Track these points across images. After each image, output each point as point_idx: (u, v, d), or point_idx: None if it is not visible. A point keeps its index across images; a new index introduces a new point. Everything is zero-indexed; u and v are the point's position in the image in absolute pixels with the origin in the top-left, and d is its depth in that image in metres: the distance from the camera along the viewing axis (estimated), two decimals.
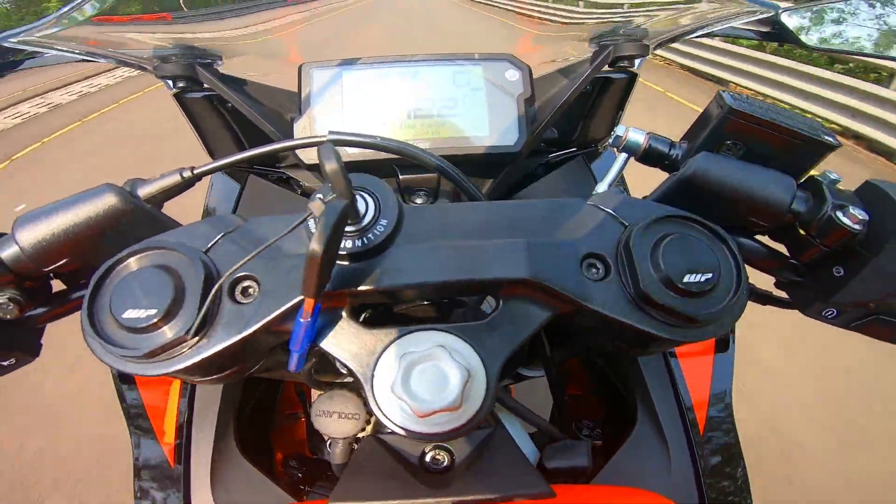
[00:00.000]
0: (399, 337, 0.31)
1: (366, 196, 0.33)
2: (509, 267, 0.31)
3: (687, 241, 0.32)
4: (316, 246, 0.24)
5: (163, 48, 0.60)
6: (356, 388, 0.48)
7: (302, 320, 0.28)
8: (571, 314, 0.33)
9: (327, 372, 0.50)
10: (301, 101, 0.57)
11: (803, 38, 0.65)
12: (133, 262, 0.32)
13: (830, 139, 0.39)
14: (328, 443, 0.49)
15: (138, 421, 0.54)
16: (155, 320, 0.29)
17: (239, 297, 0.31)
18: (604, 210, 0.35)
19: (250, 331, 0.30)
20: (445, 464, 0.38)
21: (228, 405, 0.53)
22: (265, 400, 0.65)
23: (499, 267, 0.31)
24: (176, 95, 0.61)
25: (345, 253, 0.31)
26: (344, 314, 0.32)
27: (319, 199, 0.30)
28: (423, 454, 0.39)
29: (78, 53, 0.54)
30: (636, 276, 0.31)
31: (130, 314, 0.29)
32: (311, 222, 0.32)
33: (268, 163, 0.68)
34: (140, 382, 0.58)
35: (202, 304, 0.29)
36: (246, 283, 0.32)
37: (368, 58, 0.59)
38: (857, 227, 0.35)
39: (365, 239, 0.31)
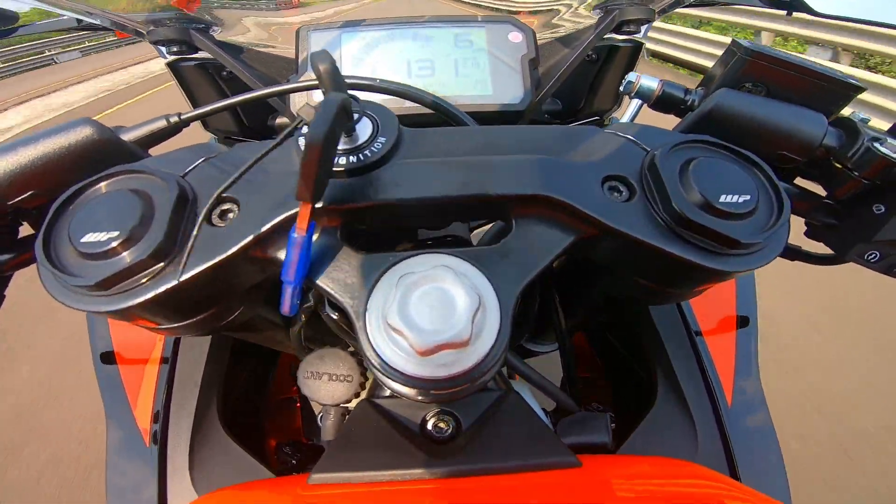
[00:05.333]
0: (398, 261, 0.27)
1: (363, 116, 0.30)
2: (522, 182, 0.28)
3: (717, 164, 0.29)
4: (315, 134, 0.20)
5: (157, 12, 0.58)
6: (352, 348, 0.44)
7: (296, 235, 0.25)
8: (591, 243, 0.29)
9: (320, 339, 0.47)
10: (298, 64, 0.55)
11: (813, 4, 0.64)
12: (103, 188, 0.29)
13: (855, 81, 0.36)
14: (319, 416, 0.45)
15: (115, 400, 0.51)
16: (115, 244, 0.25)
17: (216, 220, 0.28)
18: (623, 136, 0.32)
19: (224, 255, 0.26)
20: (450, 431, 0.34)
21: (211, 383, 0.49)
22: (256, 381, 0.61)
23: (510, 182, 0.28)
24: (170, 64, 0.59)
25: (340, 169, 0.28)
26: (336, 239, 0.29)
27: (309, 105, 0.27)
28: (425, 420, 0.35)
29: (71, 12, 0.53)
30: (666, 196, 0.28)
31: (89, 238, 0.26)
32: (301, 139, 0.29)
33: (262, 134, 0.66)
34: (121, 361, 0.54)
35: (170, 224, 0.26)
36: (225, 206, 0.28)
37: (368, 20, 0.57)
38: None
39: (361, 155, 0.29)
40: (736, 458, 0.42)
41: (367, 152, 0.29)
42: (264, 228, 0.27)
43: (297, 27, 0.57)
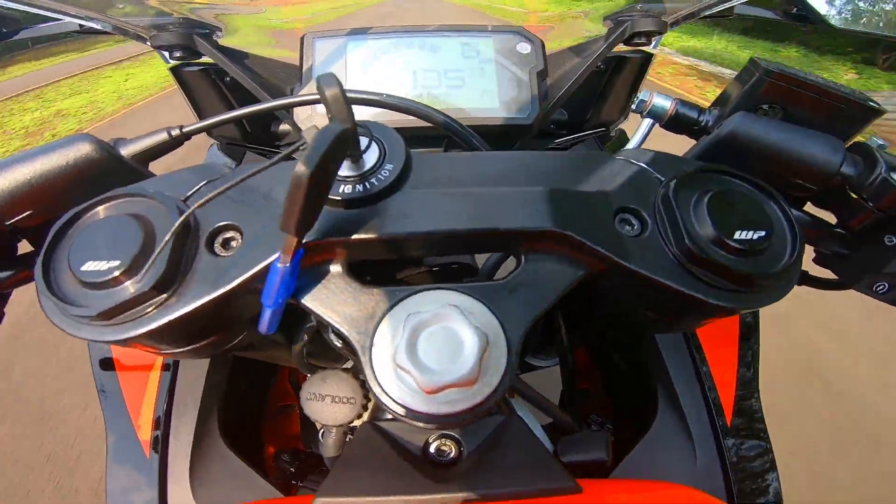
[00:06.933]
0: (404, 297, 0.27)
1: (371, 141, 0.30)
2: (533, 216, 0.27)
3: (733, 196, 0.28)
4: (302, 166, 0.20)
5: (160, 17, 0.57)
6: (353, 370, 0.44)
7: (279, 265, 0.24)
8: (601, 277, 0.29)
9: (323, 356, 0.46)
10: (303, 72, 0.54)
11: (828, 17, 0.62)
12: (101, 212, 0.28)
13: (875, 104, 0.36)
14: (320, 432, 0.45)
15: (115, 408, 0.51)
16: (116, 273, 0.25)
17: (219, 249, 0.28)
18: (636, 164, 0.31)
19: (227, 287, 0.26)
20: (452, 455, 0.34)
21: (212, 393, 0.49)
22: (256, 390, 0.61)
23: (520, 216, 0.27)
24: (173, 69, 0.59)
25: (339, 199, 0.27)
26: (339, 270, 0.28)
27: (315, 127, 0.27)
28: (427, 444, 0.34)
29: (72, 16, 0.52)
30: (679, 231, 0.27)
31: (90, 266, 0.25)
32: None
33: (265, 140, 0.65)
34: (119, 368, 0.54)
35: (173, 254, 0.26)
36: (228, 235, 0.28)
37: (374, 28, 0.56)
38: None
39: (367, 184, 0.28)
40: (734, 481, 0.42)
41: (373, 180, 0.28)
42: (265, 262, 0.26)
43: (302, 33, 0.56)
